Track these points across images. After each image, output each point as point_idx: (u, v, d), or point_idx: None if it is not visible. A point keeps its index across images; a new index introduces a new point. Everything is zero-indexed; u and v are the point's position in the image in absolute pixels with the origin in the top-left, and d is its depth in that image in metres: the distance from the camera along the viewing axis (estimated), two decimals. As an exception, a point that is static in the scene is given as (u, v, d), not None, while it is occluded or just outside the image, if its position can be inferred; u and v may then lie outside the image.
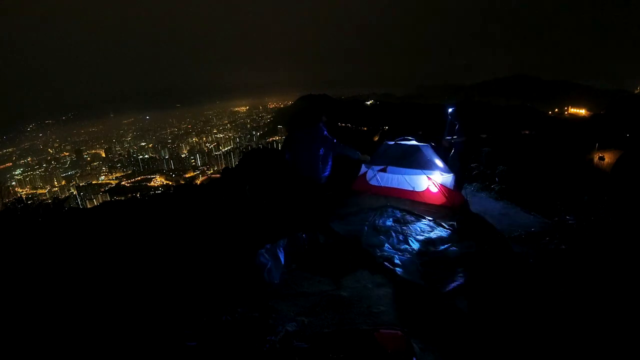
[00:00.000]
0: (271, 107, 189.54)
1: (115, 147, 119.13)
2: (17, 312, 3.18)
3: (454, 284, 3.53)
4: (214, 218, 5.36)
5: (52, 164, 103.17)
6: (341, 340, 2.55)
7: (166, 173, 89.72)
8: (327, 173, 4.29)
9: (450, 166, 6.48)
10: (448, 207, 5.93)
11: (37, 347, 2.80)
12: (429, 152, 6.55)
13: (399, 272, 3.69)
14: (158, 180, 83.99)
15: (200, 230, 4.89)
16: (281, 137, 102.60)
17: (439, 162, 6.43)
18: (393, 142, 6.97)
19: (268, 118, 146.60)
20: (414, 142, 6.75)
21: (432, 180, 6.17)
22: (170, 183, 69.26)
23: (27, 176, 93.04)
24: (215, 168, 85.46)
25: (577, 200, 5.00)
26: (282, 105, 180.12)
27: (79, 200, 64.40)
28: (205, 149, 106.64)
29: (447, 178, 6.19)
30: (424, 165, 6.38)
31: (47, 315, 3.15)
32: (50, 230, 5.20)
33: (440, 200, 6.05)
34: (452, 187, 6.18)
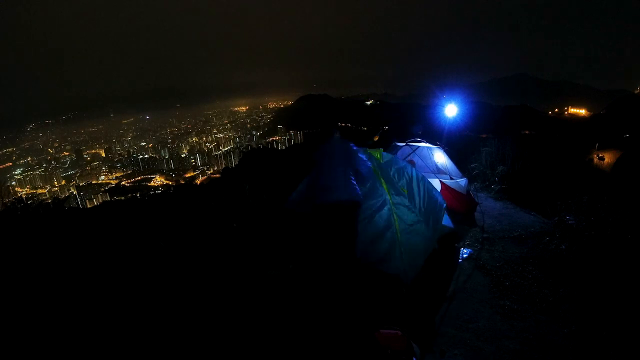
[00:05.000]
0: (271, 107, 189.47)
1: (115, 147, 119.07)
2: (18, 312, 3.18)
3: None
4: (213, 217, 5.35)
5: (52, 164, 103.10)
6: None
7: (166, 173, 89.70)
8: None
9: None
10: (462, 213, 5.66)
11: (39, 344, 2.80)
12: (441, 155, 6.34)
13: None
14: (158, 180, 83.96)
15: (200, 229, 4.89)
16: (281, 137, 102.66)
17: (450, 166, 6.22)
18: (404, 144, 6.64)
19: (268, 118, 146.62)
20: (424, 144, 6.44)
21: (447, 185, 5.86)
22: (170, 183, 69.26)
23: (27, 176, 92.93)
24: (215, 168, 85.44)
25: (577, 200, 4.99)
26: (282, 105, 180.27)
27: (79, 200, 64.34)
28: (205, 149, 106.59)
29: (462, 182, 5.91)
30: (437, 170, 6.19)
31: (48, 313, 3.15)
32: (50, 230, 5.19)
33: (453, 205, 5.56)
34: (464, 192, 5.91)
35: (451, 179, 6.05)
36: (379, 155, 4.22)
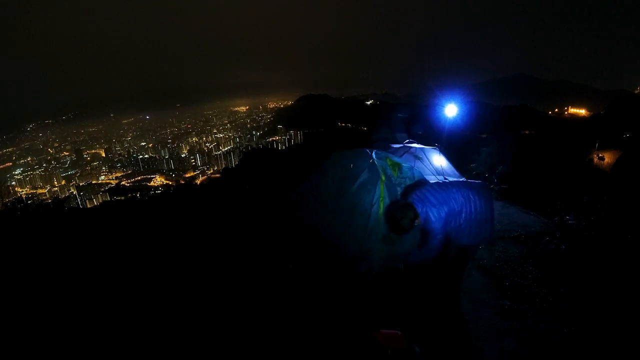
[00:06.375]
0: (271, 107, 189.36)
1: (115, 147, 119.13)
2: (18, 311, 3.18)
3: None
4: (214, 217, 5.36)
5: (52, 164, 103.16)
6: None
7: (166, 173, 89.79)
8: None
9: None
10: None
11: (39, 344, 2.80)
12: (438, 156, 6.22)
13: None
14: (158, 180, 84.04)
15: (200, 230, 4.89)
16: (281, 137, 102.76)
17: (449, 167, 6.13)
18: (401, 145, 6.43)
19: (268, 118, 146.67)
20: (421, 146, 6.28)
21: None
22: (170, 183, 69.30)
23: (27, 176, 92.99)
24: (215, 168, 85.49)
25: (577, 200, 5.00)
26: (282, 105, 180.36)
27: (79, 200, 64.37)
28: (205, 148, 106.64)
29: None
30: (434, 171, 6.06)
31: (48, 312, 3.15)
32: (50, 230, 5.20)
33: None
34: None
35: (445, 179, 5.95)
36: (395, 172, 4.24)
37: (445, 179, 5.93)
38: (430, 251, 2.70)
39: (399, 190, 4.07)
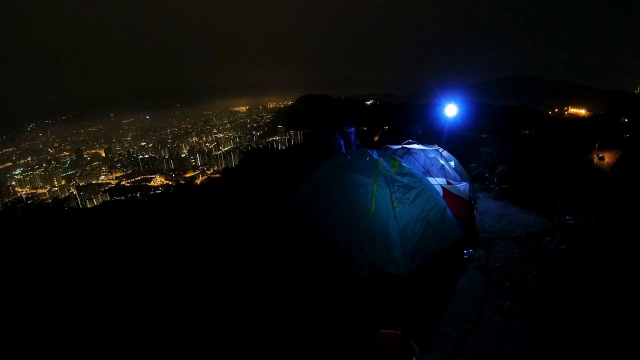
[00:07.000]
0: (271, 107, 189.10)
1: (115, 147, 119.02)
2: (18, 311, 3.18)
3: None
4: (214, 217, 5.35)
5: (52, 164, 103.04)
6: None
7: (166, 173, 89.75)
8: None
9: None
10: (463, 219, 5.08)
11: (39, 344, 2.80)
12: (439, 158, 6.02)
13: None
14: (158, 180, 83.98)
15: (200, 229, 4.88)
16: (281, 137, 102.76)
17: (451, 170, 5.93)
18: (400, 147, 6.20)
19: (268, 118, 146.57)
20: (421, 147, 6.03)
21: (448, 190, 5.41)
22: (170, 183, 69.22)
23: (27, 176, 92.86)
24: (215, 168, 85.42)
25: (577, 200, 5.00)
26: (282, 105, 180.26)
27: (79, 200, 64.26)
28: (205, 148, 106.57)
29: (462, 187, 5.48)
30: (438, 174, 5.92)
31: (48, 312, 3.14)
32: (50, 230, 5.19)
33: (454, 211, 4.72)
34: (467, 197, 5.43)
35: (448, 183, 5.68)
36: (394, 168, 4.15)
37: (449, 182, 5.81)
38: None
39: (396, 187, 3.99)
